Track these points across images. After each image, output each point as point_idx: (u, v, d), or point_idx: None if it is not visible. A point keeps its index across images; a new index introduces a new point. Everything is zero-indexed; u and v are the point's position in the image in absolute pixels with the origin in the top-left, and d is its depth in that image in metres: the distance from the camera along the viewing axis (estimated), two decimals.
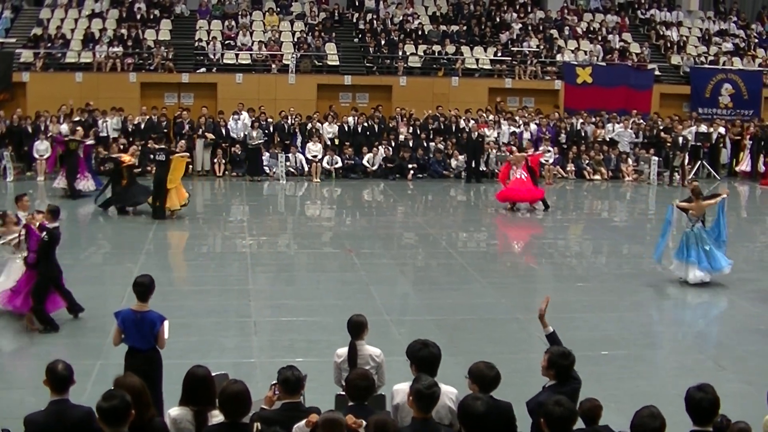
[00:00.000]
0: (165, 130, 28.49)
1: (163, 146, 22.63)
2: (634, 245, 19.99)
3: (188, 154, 22.93)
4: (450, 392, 6.75)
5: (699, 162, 30.29)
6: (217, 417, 6.31)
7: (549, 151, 29.07)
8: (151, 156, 24.58)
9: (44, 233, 12.24)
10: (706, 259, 15.89)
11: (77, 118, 28.11)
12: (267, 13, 35.34)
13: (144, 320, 8.47)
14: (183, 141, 24.34)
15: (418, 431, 6.02)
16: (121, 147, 25.19)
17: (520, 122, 30.55)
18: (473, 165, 28.64)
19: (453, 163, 29.42)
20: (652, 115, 32.40)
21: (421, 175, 29.01)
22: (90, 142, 25.08)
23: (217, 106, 30.40)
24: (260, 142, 28.13)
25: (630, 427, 5.73)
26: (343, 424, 5.80)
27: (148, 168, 25.21)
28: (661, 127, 30.98)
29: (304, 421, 6.18)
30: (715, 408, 5.89)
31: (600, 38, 35.98)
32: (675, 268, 16.29)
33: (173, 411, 6.56)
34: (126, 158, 21.97)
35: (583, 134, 31.28)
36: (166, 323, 8.61)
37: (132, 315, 8.53)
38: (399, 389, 6.87)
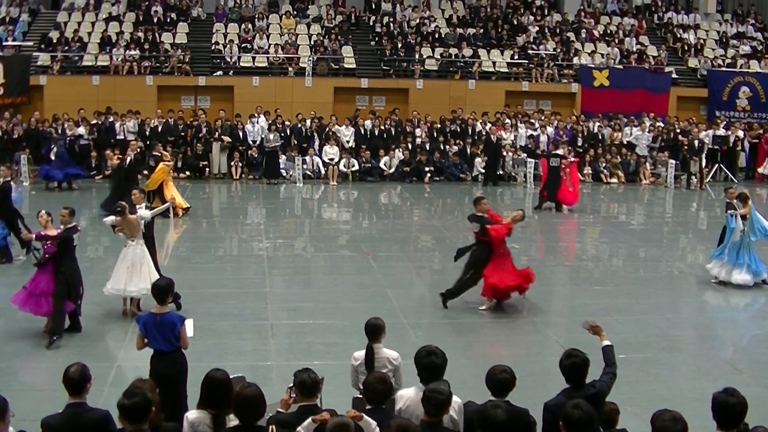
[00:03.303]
0: (182, 134, 28.63)
1: (155, 153, 22.83)
2: (650, 248, 19.95)
3: (171, 163, 22.78)
4: (455, 402, 6.53)
5: (716, 165, 30.20)
6: (235, 420, 6.34)
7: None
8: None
9: (62, 231, 12.31)
10: (755, 263, 16.03)
11: (94, 122, 28.26)
12: (284, 16, 35.42)
13: (164, 322, 8.50)
14: (169, 148, 24.91)
15: None
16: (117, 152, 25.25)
17: (537, 125, 30.49)
18: (491, 168, 28.58)
19: (477, 161, 29.31)
20: (671, 118, 32.30)
21: (438, 178, 29.01)
22: None
23: (234, 109, 30.46)
24: (277, 145, 28.12)
25: (652, 430, 5.69)
26: (352, 427, 5.80)
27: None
28: (678, 131, 30.86)
29: (309, 419, 6.18)
30: (743, 412, 5.82)
31: (617, 41, 35.91)
32: (713, 266, 16.26)
33: (191, 414, 6.61)
34: (114, 159, 23.07)
35: (600, 137, 31.21)
36: (187, 323, 8.68)
37: (152, 318, 8.58)
38: (402, 394, 6.89)
